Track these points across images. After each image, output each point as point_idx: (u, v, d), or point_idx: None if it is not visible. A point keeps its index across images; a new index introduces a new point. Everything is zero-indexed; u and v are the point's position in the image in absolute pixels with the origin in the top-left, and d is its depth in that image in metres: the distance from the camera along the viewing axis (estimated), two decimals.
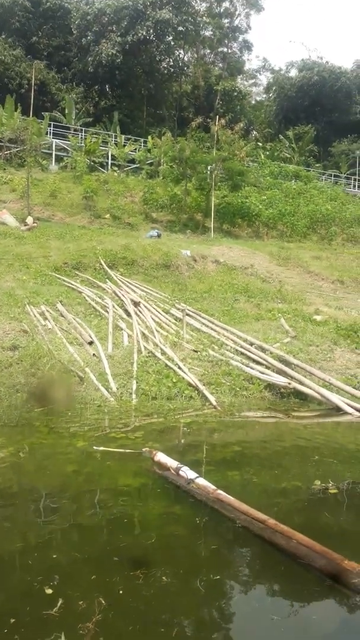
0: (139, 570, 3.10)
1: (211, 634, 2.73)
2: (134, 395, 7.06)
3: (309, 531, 3.43)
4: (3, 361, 7.45)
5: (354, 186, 36.11)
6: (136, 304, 11.01)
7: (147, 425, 6.27)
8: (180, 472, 4.35)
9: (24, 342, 8.18)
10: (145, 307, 10.92)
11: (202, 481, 4.19)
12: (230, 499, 3.91)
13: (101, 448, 5.17)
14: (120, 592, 2.91)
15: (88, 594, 2.87)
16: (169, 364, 7.99)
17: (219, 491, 4.02)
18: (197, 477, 4.24)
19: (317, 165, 36.93)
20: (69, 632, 2.54)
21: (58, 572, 3.09)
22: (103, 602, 2.78)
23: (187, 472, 4.30)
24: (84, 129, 29.44)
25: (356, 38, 79.63)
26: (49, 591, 2.88)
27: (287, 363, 8.22)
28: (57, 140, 27.00)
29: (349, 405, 7.00)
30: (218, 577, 3.20)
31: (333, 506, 4.25)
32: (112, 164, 27.35)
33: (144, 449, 5.07)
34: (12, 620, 2.66)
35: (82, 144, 26.10)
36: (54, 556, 3.33)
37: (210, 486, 4.10)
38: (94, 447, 5.20)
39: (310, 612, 2.93)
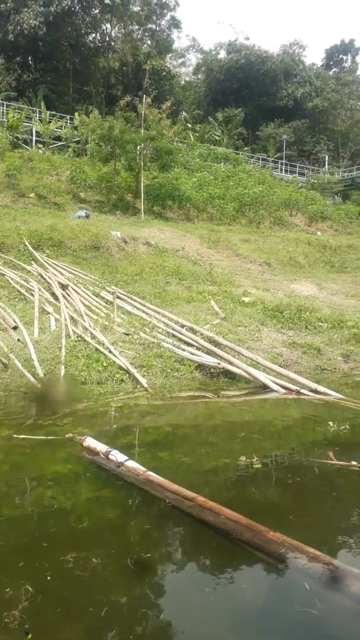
0: (68, 554, 3.04)
1: (142, 610, 2.73)
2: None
3: (236, 506, 3.52)
4: None
5: (281, 170, 37.15)
6: (64, 286, 10.69)
7: (77, 410, 6.14)
8: (110, 456, 4.29)
9: None
10: (74, 290, 10.64)
11: (132, 463, 4.16)
12: (160, 479, 3.92)
13: (22, 436, 4.99)
14: (49, 577, 2.84)
15: (14, 581, 2.78)
16: (100, 347, 7.86)
17: (149, 472, 4.01)
18: (127, 459, 4.20)
19: (246, 148, 37.59)
20: None
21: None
22: (30, 589, 2.70)
23: (117, 456, 4.26)
24: (5, 103, 27.87)
25: (282, 22, 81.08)
26: None
27: (217, 344, 8.36)
28: None
29: (274, 382, 7.25)
30: (149, 555, 3.21)
31: (258, 480, 4.39)
32: (36, 140, 26.21)
33: (68, 435, 4.96)
34: None
35: (4, 119, 24.72)
36: None
37: (140, 468, 4.09)
38: (15, 436, 5.01)
39: (239, 582, 3.02)
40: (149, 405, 6.57)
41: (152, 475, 3.98)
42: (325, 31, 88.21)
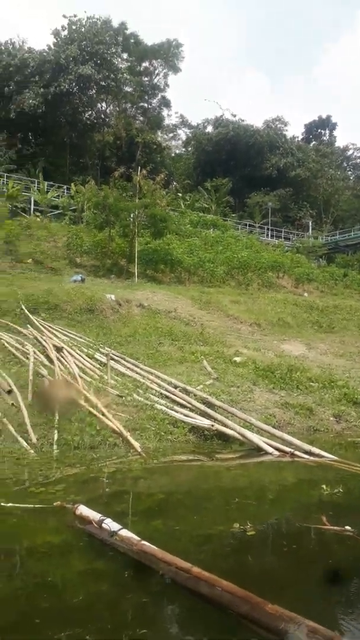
0: (62, 632, 2.94)
1: None
2: (55, 446, 6.82)
3: (231, 576, 3.44)
4: None
5: (267, 235, 38.62)
6: (59, 349, 10.78)
7: (69, 476, 6.05)
8: (103, 525, 4.22)
9: None
10: (69, 352, 10.72)
11: (125, 532, 4.09)
12: (154, 549, 3.84)
13: (9, 504, 4.90)
14: None
15: None
16: (93, 410, 7.84)
17: (143, 542, 3.94)
18: (120, 528, 4.13)
19: (233, 215, 39.21)
20: None
21: None
22: None
23: (110, 525, 4.19)
24: (5, 174, 29.22)
25: (263, 100, 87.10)
26: None
27: (210, 405, 8.38)
28: None
29: (269, 445, 7.23)
30: (144, 631, 3.11)
31: (252, 548, 4.31)
32: (35, 209, 27.22)
33: (56, 503, 4.88)
34: None
35: (4, 190, 25.83)
36: None
37: (134, 537, 4.01)
38: (2, 504, 4.92)
39: None
40: (142, 470, 6.49)
41: (146, 545, 3.90)
42: (305, 108, 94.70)
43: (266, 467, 6.94)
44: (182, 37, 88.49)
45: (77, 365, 10.07)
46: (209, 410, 8.14)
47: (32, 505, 4.90)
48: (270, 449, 7.12)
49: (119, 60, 38.97)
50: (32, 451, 6.58)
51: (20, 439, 6.78)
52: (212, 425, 7.66)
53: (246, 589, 3.26)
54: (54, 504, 4.90)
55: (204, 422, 7.76)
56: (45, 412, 7.63)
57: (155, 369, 10.28)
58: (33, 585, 3.63)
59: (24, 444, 6.69)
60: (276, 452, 7.07)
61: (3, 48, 36.28)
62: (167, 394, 8.95)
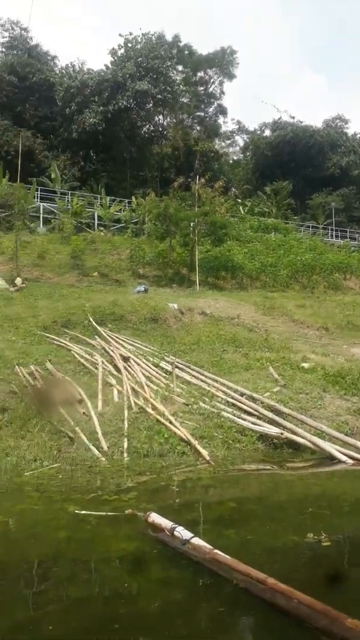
0: (140, 638, 3.00)
1: None
2: (125, 454, 6.96)
3: (307, 587, 3.35)
4: None
5: (331, 236, 37.43)
6: (125, 359, 11.03)
7: (140, 484, 6.15)
8: (175, 533, 4.25)
9: (13, 404, 8.11)
10: (135, 361, 10.94)
11: (197, 541, 4.09)
12: (227, 558, 3.81)
13: (83, 512, 5.05)
14: None
15: None
16: (160, 419, 7.94)
17: (216, 551, 3.92)
18: (192, 537, 4.14)
19: (295, 217, 38.43)
20: None
21: None
22: None
23: (182, 533, 4.21)
24: (70, 192, 30.50)
25: (321, 99, 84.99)
26: None
27: (279, 412, 8.22)
28: (45, 204, 27.87)
29: (342, 453, 6.97)
30: None
31: (329, 559, 4.16)
32: (98, 224, 28.16)
33: (127, 511, 4.98)
34: None
35: (69, 207, 26.95)
36: (50, 627, 3.20)
37: (207, 546, 4.01)
38: (76, 511, 5.08)
39: None
40: (211, 478, 6.47)
41: (219, 554, 3.88)
42: None
43: (340, 476, 6.69)
44: (236, 41, 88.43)
45: (143, 374, 10.25)
46: (277, 418, 7.98)
47: (105, 513, 5.02)
48: (343, 457, 6.86)
49: (174, 72, 39.65)
50: (103, 459, 6.76)
51: (92, 447, 6.99)
52: (282, 434, 7.50)
53: (322, 601, 3.16)
54: (126, 511, 5.00)
55: (273, 430, 7.62)
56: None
57: (220, 377, 10.25)
58: (109, 591, 3.71)
59: (96, 452, 6.89)
60: (350, 461, 6.80)
61: (64, 72, 38.06)
62: (234, 401, 8.88)
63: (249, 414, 8.31)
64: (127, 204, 30.51)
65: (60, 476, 6.19)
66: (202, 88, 42.92)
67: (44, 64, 39.52)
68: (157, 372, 10.54)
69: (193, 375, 10.36)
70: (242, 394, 9.13)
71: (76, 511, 5.09)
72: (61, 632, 3.16)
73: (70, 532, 4.84)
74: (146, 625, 3.20)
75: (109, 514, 5.03)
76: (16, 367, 10.09)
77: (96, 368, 10.45)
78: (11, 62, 36.44)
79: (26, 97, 36.24)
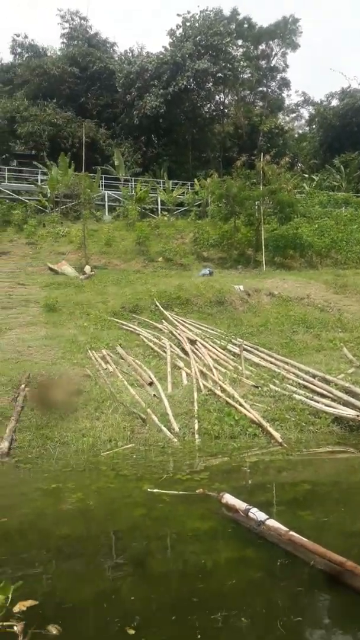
0: (218, 613, 3.03)
1: None
2: (196, 435, 7.02)
3: None
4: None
5: None
6: (192, 342, 11.09)
7: (212, 466, 6.19)
8: (250, 514, 4.24)
9: (88, 387, 8.42)
10: (202, 344, 10.97)
11: (273, 523, 4.06)
12: (304, 540, 3.76)
13: (156, 490, 5.17)
14: (199, 635, 2.85)
15: (168, 635, 2.85)
16: (230, 401, 7.92)
17: (292, 533, 3.87)
18: (267, 518, 4.11)
19: None
20: None
21: (137, 614, 3.09)
22: None
23: (257, 514, 4.19)
24: (133, 178, 30.84)
25: None
26: (131, 632, 2.91)
27: (354, 394, 7.92)
28: (109, 192, 28.39)
29: None
30: (299, 619, 3.06)
31: None
32: (161, 209, 28.27)
33: (198, 490, 5.02)
34: None
35: (133, 193, 27.27)
36: (132, 598, 3.32)
37: (282, 528, 3.96)
38: (149, 490, 5.20)
39: None
40: (284, 460, 6.38)
41: (295, 536, 3.83)
42: None
43: None
44: (297, 7, 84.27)
45: (211, 356, 10.26)
46: (353, 400, 7.69)
47: (177, 492, 5.11)
48: None
49: (234, 48, 38.55)
50: (175, 440, 6.86)
51: (164, 428, 7.12)
52: (358, 416, 7.23)
53: None
54: (197, 491, 5.06)
55: (349, 413, 7.36)
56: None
57: (290, 359, 10.04)
58: (186, 567, 3.78)
59: (168, 433, 7.01)
60: None
61: (124, 58, 38.21)
62: (306, 383, 8.67)
63: (323, 396, 8.08)
64: (189, 187, 30.36)
65: (135, 456, 6.37)
66: (263, 62, 41.41)
67: (103, 52, 39.89)
68: (225, 355, 10.50)
69: (262, 358, 10.22)
70: (314, 376, 8.89)
71: (149, 489, 5.22)
72: (140, 602, 3.27)
73: (145, 509, 4.98)
74: (224, 602, 3.23)
75: (182, 493, 5.11)
76: (89, 351, 10.47)
77: (164, 351, 10.60)
78: (72, 54, 37.10)
79: (88, 87, 36.85)
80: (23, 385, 8.24)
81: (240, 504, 4.43)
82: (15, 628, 2.80)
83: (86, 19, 41.52)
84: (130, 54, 38.05)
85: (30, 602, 3.01)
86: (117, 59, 39.03)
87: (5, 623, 2.82)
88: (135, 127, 35.54)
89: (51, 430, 6.95)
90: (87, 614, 3.21)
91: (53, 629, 2.87)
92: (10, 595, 2.95)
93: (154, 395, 8.27)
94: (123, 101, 36.00)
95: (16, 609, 2.96)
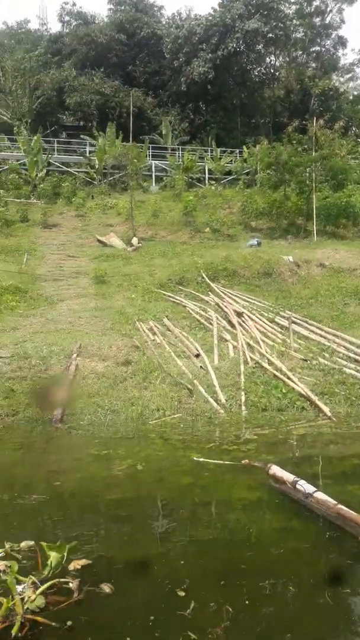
0: (265, 580, 3.09)
1: None
2: (243, 407, 7.04)
3: None
4: (118, 376, 7.86)
5: None
6: (239, 314, 11.00)
7: (259, 437, 6.20)
8: (297, 486, 4.23)
9: (136, 357, 8.57)
10: (249, 317, 10.87)
11: (321, 495, 4.04)
12: (353, 514, 3.73)
13: (201, 459, 5.24)
14: (247, 601, 2.92)
15: (217, 599, 2.95)
16: (278, 374, 7.85)
17: (340, 506, 3.84)
18: (315, 491, 4.10)
19: None
20: (199, 634, 2.66)
21: (187, 577, 3.20)
22: (230, 609, 2.82)
23: (305, 486, 4.18)
24: (181, 147, 30.37)
25: None
26: (181, 594, 3.02)
27: None
28: (156, 162, 28.16)
29: None
30: (348, 590, 3.07)
31: None
32: (209, 178, 27.81)
33: (244, 461, 5.05)
34: (152, 617, 2.84)
35: (180, 162, 26.91)
36: (182, 562, 3.43)
37: (330, 501, 3.94)
38: (195, 458, 5.28)
39: None
40: (333, 434, 6.30)
41: (344, 509, 3.80)
42: None
43: None
44: None
45: (258, 329, 10.16)
46: None
47: (222, 462, 5.17)
48: None
49: (286, 6, 36.59)
50: (222, 411, 6.91)
51: (210, 399, 7.17)
52: None
53: None
54: (242, 462, 5.10)
55: None
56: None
57: (341, 332, 9.78)
58: (234, 535, 3.85)
59: (214, 404, 7.06)
60: None
61: (171, 22, 37.15)
62: (357, 357, 8.45)
63: None
64: (238, 155, 29.59)
65: (182, 425, 6.48)
66: (318, 19, 39.02)
67: (151, 16, 38.90)
68: (272, 328, 10.37)
69: (311, 331, 10.02)
70: None
71: (196, 458, 5.31)
72: (191, 567, 3.37)
73: (192, 478, 5.08)
74: (272, 570, 3.29)
75: (228, 463, 5.17)
76: (137, 322, 10.61)
77: (211, 324, 10.58)
78: (119, 20, 36.41)
79: (135, 54, 36.21)
80: (75, 355, 8.49)
81: (288, 476, 4.43)
82: (70, 584, 2.96)
83: None
84: (178, 18, 36.99)
85: (84, 562, 3.17)
86: (164, 23, 38.02)
87: (61, 579, 2.99)
88: (183, 94, 34.79)
89: (102, 398, 7.15)
90: (137, 575, 3.34)
91: (106, 588, 3.01)
92: (65, 554, 3.12)
93: (201, 366, 8.31)
94: (170, 68, 35.21)
95: (71, 567, 3.13)
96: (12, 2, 71.43)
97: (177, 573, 3.27)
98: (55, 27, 42.82)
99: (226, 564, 3.43)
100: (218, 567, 3.40)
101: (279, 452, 5.81)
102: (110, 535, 3.99)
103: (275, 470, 4.62)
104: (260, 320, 10.77)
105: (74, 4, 39.62)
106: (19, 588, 2.86)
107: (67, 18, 39.54)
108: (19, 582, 2.92)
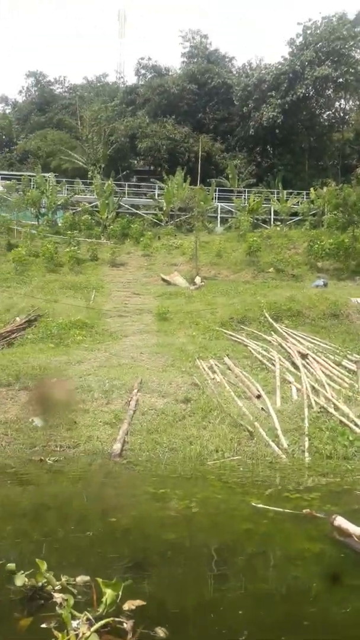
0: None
1: None
2: (306, 453, 6.75)
3: None
4: (177, 413, 7.84)
5: None
6: (304, 356, 10.72)
7: (323, 486, 5.90)
8: None
9: (195, 395, 8.53)
10: (314, 359, 10.56)
11: None
12: None
13: (260, 505, 5.04)
14: None
15: None
16: (344, 420, 7.51)
17: None
18: None
19: None
20: None
21: (245, 628, 3.05)
22: None
23: None
24: (247, 190, 30.93)
25: None
26: None
27: None
28: (222, 204, 28.80)
29: None
30: None
31: None
32: (274, 219, 27.96)
33: (305, 511, 4.80)
34: None
35: (246, 204, 27.32)
36: (240, 612, 3.28)
37: None
38: (253, 504, 5.09)
39: None
40: None
41: None
42: None
43: None
44: None
45: (323, 372, 9.83)
46: None
47: (283, 509, 4.95)
48: None
49: (358, 52, 37.01)
50: (283, 456, 6.66)
51: (272, 443, 6.95)
52: None
53: None
54: (304, 511, 4.86)
55: None
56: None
57: None
58: (295, 588, 3.64)
59: (276, 448, 6.83)
60: None
61: (241, 71, 38.65)
62: None
63: None
64: (305, 196, 29.63)
65: (242, 469, 6.30)
66: None
67: (222, 67, 40.72)
68: (339, 371, 9.99)
69: None
70: None
71: (253, 504, 5.13)
72: (250, 619, 3.21)
73: (251, 524, 4.90)
74: (338, 630, 3.05)
75: (289, 511, 4.94)
76: (197, 360, 10.62)
77: (273, 364, 10.37)
78: (192, 71, 38.41)
79: (205, 102, 37.84)
80: (135, 390, 8.60)
81: (355, 529, 4.16)
82: (125, 625, 2.90)
83: (206, 36, 42.74)
84: (248, 67, 38.41)
85: (138, 602, 3.10)
86: (235, 72, 39.62)
87: (116, 619, 2.94)
88: (251, 139, 35.67)
89: (160, 435, 7.14)
90: (193, 622, 3.22)
91: (160, 632, 2.93)
92: (120, 593, 3.07)
93: (262, 408, 8.12)
94: (239, 114, 36.37)
95: (126, 606, 3.07)
96: (92, 59, 77.88)
97: (235, 623, 3.12)
98: (131, 80, 45.86)
99: (286, 618, 3.23)
100: (278, 620, 3.21)
101: (344, 502, 5.48)
102: (164, 577, 3.89)
103: (341, 521, 4.35)
104: (326, 362, 10.43)
105: (149, 59, 42.34)
106: (74, 623, 2.85)
107: (142, 71, 42.28)
108: (73, 617, 2.90)
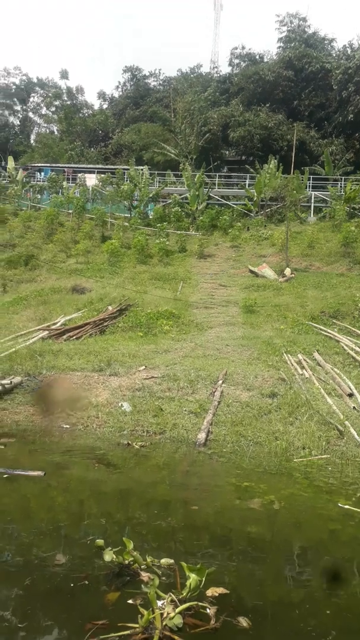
0: None
1: None
2: None
3: None
4: (263, 407, 7.74)
5: None
6: None
7: None
8: None
9: (282, 390, 8.37)
10: None
11: None
12: None
13: (348, 507, 4.81)
14: None
15: None
16: None
17: None
18: None
19: None
20: None
21: (334, 629, 2.99)
22: None
23: None
24: (343, 177, 29.52)
25: None
26: None
27: None
28: (316, 192, 27.75)
29: None
30: None
31: None
32: None
33: None
34: None
35: (342, 193, 26.11)
36: (327, 612, 3.19)
37: None
38: (340, 504, 4.88)
39: None
40: None
41: None
42: None
43: None
44: None
45: None
46: None
47: None
48: None
49: None
50: None
51: None
52: None
53: None
54: None
55: None
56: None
57: None
58: None
59: None
60: None
61: (341, 54, 36.74)
62: None
63: None
64: None
65: (330, 468, 6.09)
66: None
67: (320, 50, 39.00)
68: None
69: None
70: None
71: (340, 504, 4.94)
72: (338, 620, 3.11)
73: (337, 525, 4.73)
74: None
75: None
76: (284, 354, 10.39)
77: None
78: (288, 57, 37.20)
79: (301, 89, 36.52)
80: (220, 382, 8.62)
81: None
82: (208, 610, 2.95)
83: (305, 19, 41.14)
84: (349, 49, 36.43)
85: (222, 590, 3.13)
86: (334, 55, 37.81)
87: (199, 603, 3.00)
88: (349, 124, 33.95)
89: (245, 428, 7.10)
90: (276, 616, 3.19)
91: (243, 621, 2.93)
92: (204, 579, 3.12)
93: (354, 407, 7.77)
94: (337, 99, 34.70)
95: (209, 592, 3.12)
96: (186, 52, 78.10)
97: (322, 623, 3.03)
98: (224, 70, 45.48)
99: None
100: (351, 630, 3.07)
101: None
102: (245, 569, 3.88)
103: None
104: None
105: (243, 47, 41.70)
106: (159, 603, 2.94)
107: (236, 61, 41.74)
108: (159, 597, 3.00)
